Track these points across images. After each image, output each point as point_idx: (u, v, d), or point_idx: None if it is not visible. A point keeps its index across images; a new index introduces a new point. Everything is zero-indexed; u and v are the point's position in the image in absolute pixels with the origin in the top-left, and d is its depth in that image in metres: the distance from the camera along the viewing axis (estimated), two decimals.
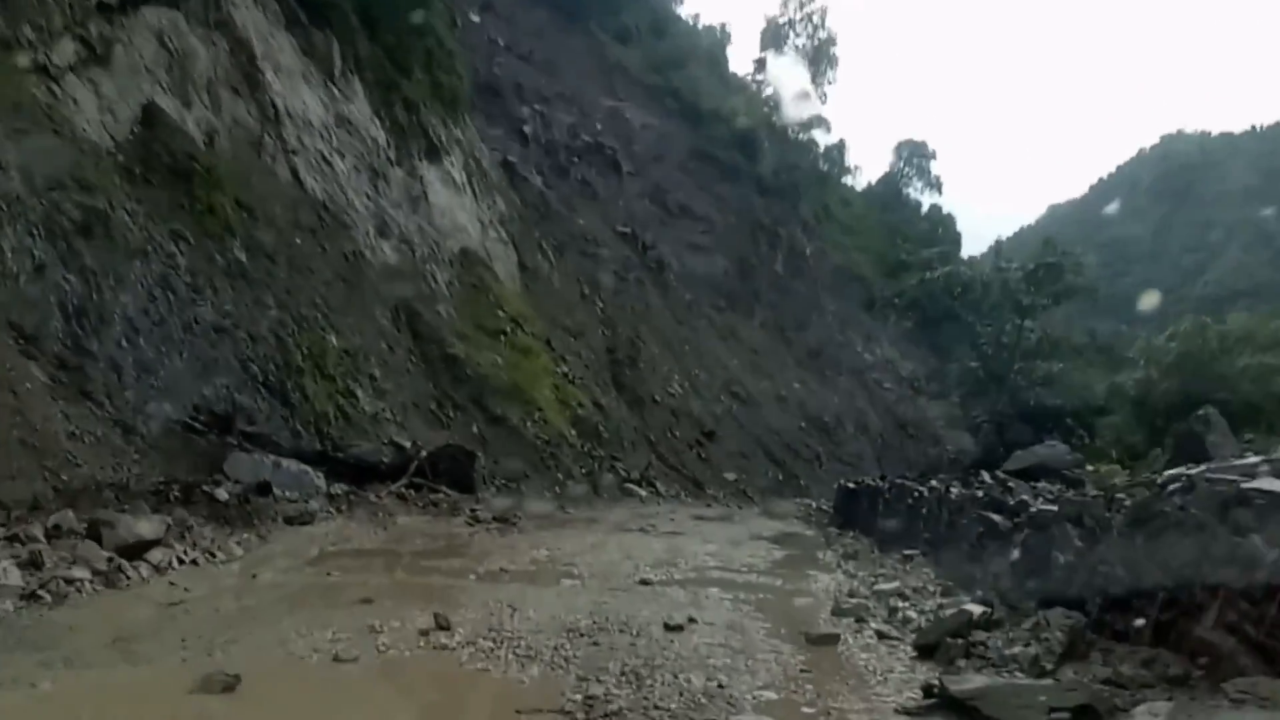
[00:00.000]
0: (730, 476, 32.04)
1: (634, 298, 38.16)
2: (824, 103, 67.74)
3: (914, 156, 76.89)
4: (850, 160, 73.88)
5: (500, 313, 27.50)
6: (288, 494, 11.23)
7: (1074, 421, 38.78)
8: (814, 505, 25.31)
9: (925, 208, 76.15)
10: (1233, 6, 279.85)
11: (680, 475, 29.19)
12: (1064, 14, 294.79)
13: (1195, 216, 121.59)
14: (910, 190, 77.13)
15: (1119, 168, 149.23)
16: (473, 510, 13.84)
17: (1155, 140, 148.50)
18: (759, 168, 51.04)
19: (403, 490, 13.76)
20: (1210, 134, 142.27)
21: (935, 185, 76.73)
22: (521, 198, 37.37)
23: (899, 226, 70.67)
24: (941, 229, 72.84)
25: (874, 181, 77.94)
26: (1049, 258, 44.18)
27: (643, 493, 23.31)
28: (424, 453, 14.73)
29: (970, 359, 49.19)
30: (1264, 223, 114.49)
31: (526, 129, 42.54)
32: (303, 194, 19.79)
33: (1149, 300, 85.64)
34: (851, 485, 20.69)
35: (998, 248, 55.89)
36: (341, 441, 14.15)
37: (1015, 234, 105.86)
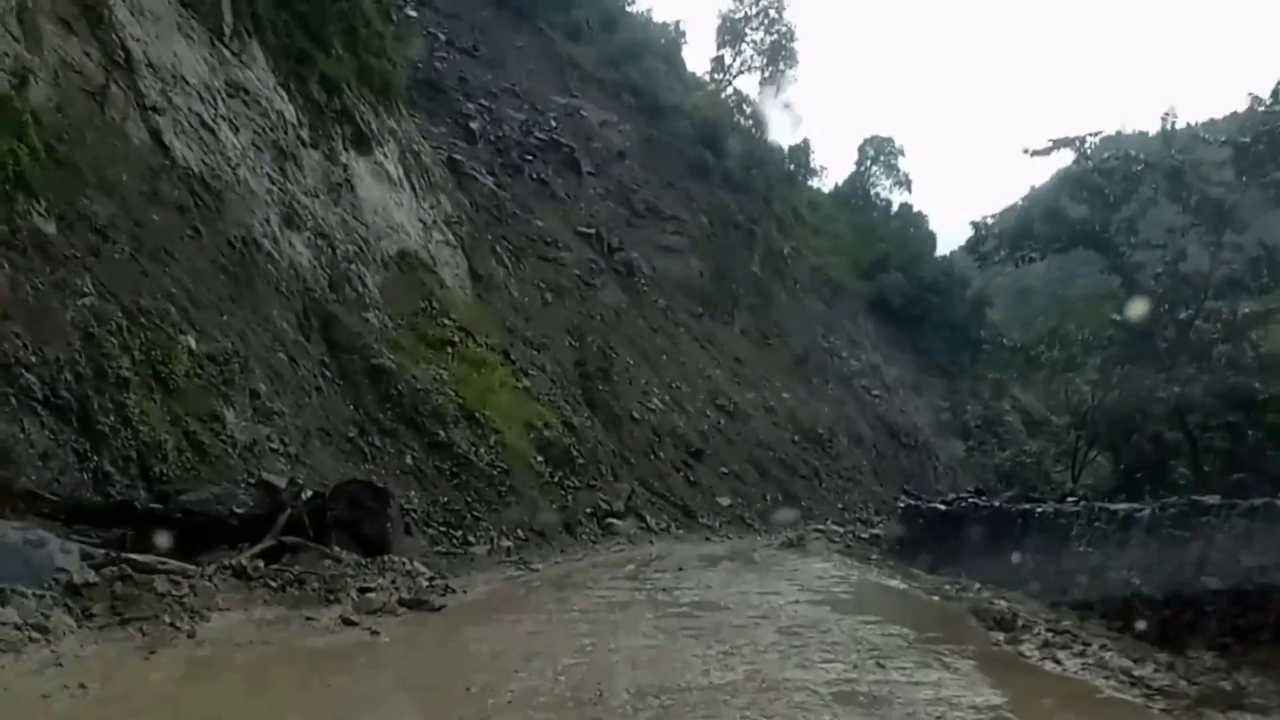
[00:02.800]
0: (725, 501, 27.57)
1: (603, 304, 33.71)
2: (786, 105, 63.93)
3: (880, 154, 73.20)
4: (815, 161, 69.98)
5: (446, 321, 22.92)
6: None
7: None
8: (843, 531, 20.81)
9: (895, 207, 72.59)
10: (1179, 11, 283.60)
11: (669, 503, 24.65)
12: (1021, 14, 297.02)
13: (1141, 214, 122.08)
14: (879, 190, 73.46)
15: (1060, 169, 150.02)
16: (363, 590, 8.81)
17: (1096, 140, 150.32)
18: (727, 163, 46.87)
19: (248, 562, 8.53)
20: (1148, 133, 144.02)
21: (904, 183, 73.09)
22: (471, 199, 32.90)
23: (870, 227, 67.10)
24: (913, 228, 69.31)
25: (840, 183, 74.26)
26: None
27: (629, 528, 18.76)
28: (306, 495, 9.93)
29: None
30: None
31: (474, 125, 38.06)
32: (166, 162, 15.05)
33: None
34: (933, 505, 16.01)
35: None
36: (182, 486, 9.40)
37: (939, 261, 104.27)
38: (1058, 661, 7.99)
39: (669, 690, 6.26)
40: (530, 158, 38.80)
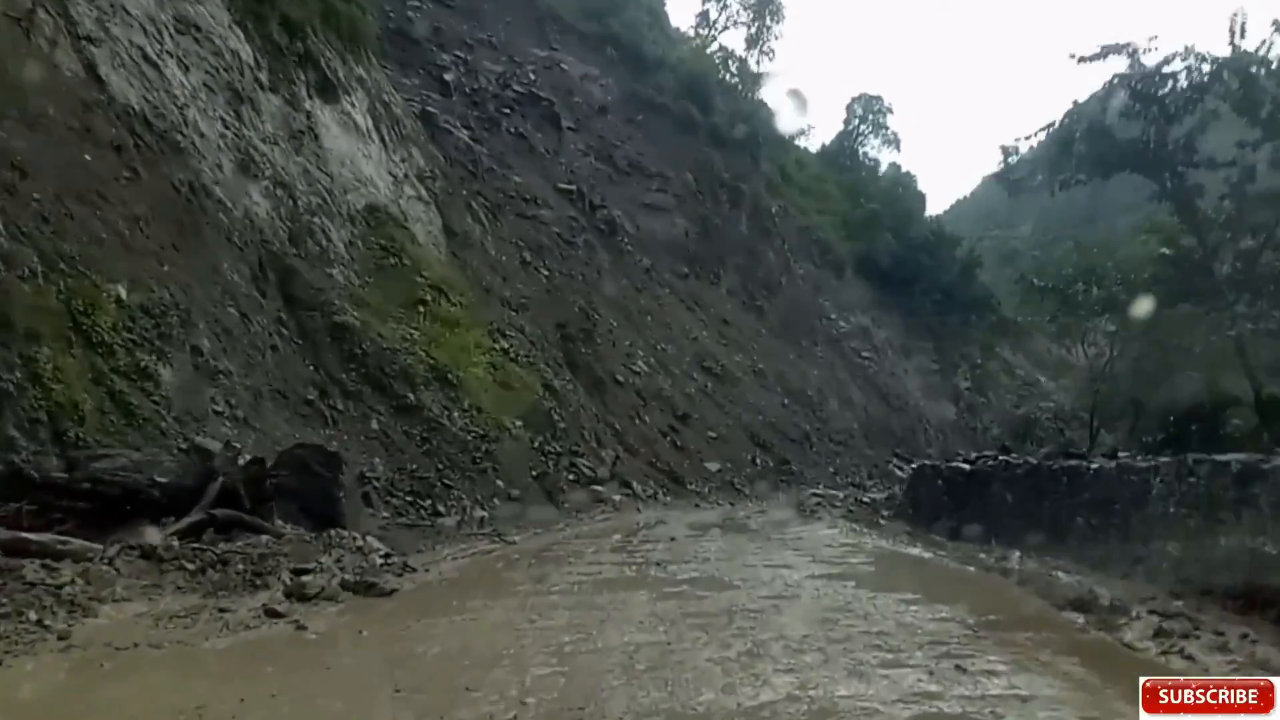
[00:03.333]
0: (714, 466, 26.51)
1: (584, 264, 32.42)
2: (771, 59, 61.95)
3: (869, 112, 71.72)
4: (803, 121, 68.57)
5: (419, 279, 21.62)
6: None
7: None
8: (842, 496, 19.70)
9: (884, 167, 71.29)
10: None
11: (655, 469, 23.57)
12: None
13: (1128, 178, 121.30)
14: (868, 149, 72.06)
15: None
16: (299, 571, 7.37)
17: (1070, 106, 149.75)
18: (713, 119, 45.32)
19: (161, 540, 7.17)
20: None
21: (893, 142, 71.76)
22: (445, 153, 31.39)
23: (859, 187, 65.72)
24: (902, 188, 68.02)
25: (828, 142, 72.77)
26: None
27: (614, 495, 17.66)
28: (243, 461, 8.65)
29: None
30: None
31: (448, 78, 36.36)
32: (101, 97, 13.63)
33: None
34: (953, 464, 14.72)
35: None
36: (97, 452, 8.14)
37: (951, 207, 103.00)
38: (1190, 658, 6.25)
39: (684, 718, 4.77)
40: (508, 111, 37.22)
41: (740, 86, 54.73)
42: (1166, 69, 18.18)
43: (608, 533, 13.20)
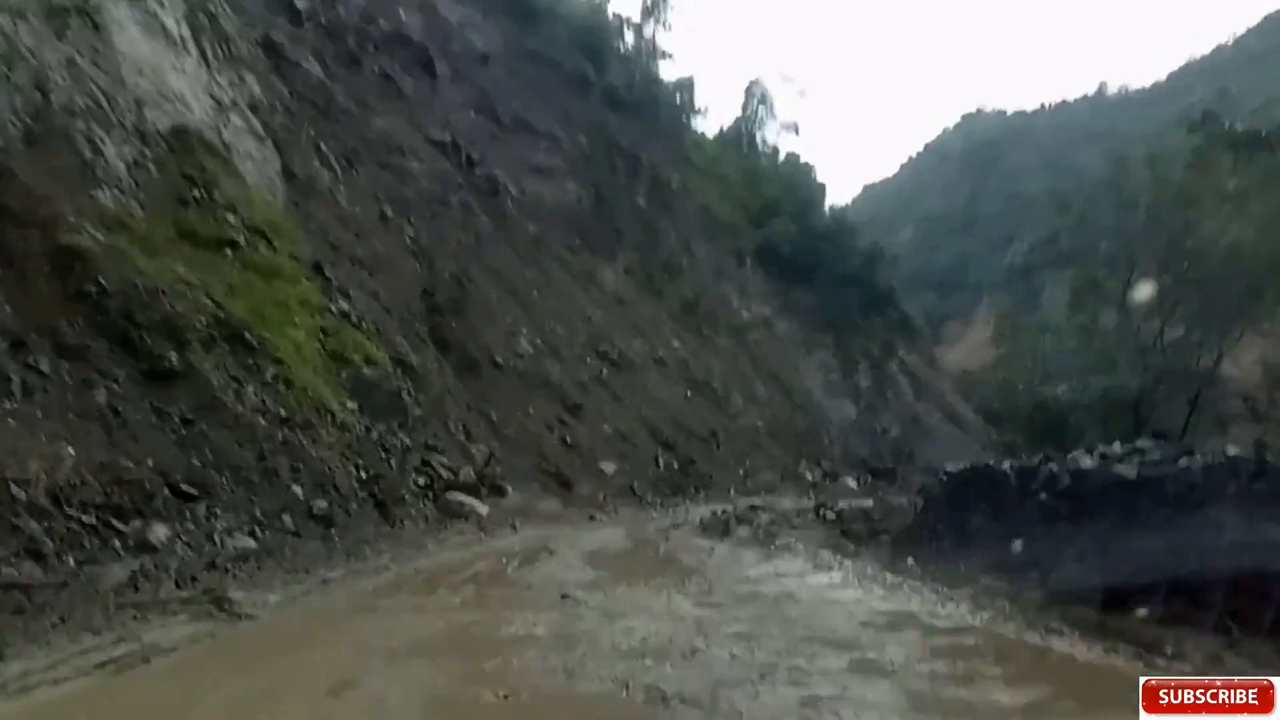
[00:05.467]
0: (609, 468, 21.85)
1: (460, 226, 27.28)
2: (667, 30, 57.74)
3: (766, 97, 68.43)
4: (699, 101, 64.62)
5: (230, 219, 16.27)
6: None
7: None
8: (793, 510, 15.01)
9: (782, 155, 68.16)
10: None
11: (540, 471, 18.75)
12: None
13: (1001, 189, 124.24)
14: (765, 134, 68.76)
15: (926, 145, 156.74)
16: None
17: (957, 119, 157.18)
18: (610, 78, 40.67)
19: None
20: (1006, 112, 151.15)
21: (791, 127, 68.64)
22: (291, 88, 25.82)
23: (757, 173, 62.35)
24: (802, 177, 65.02)
25: (726, 126, 69.22)
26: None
27: (481, 507, 12.70)
28: None
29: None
30: (1061, 193, 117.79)
31: (300, 5, 30.57)
32: None
33: None
34: (989, 465, 10.18)
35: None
36: None
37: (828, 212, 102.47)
38: None
39: None
40: (373, 48, 31.66)
41: (638, 54, 50.24)
42: None
43: (458, 572, 8.36)
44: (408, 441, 13.93)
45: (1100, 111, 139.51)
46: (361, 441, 12.44)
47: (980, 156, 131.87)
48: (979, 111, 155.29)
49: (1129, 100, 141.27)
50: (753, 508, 16.59)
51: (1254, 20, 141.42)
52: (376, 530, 10.14)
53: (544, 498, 17.47)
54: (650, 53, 52.52)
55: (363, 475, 11.45)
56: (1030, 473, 8.40)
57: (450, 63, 35.42)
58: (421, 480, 12.90)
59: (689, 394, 30.88)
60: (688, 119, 60.17)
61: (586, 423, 23.21)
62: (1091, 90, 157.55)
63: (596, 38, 41.79)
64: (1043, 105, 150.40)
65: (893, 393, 59.42)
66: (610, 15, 53.49)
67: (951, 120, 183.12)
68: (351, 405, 13.27)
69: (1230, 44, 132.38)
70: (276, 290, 14.62)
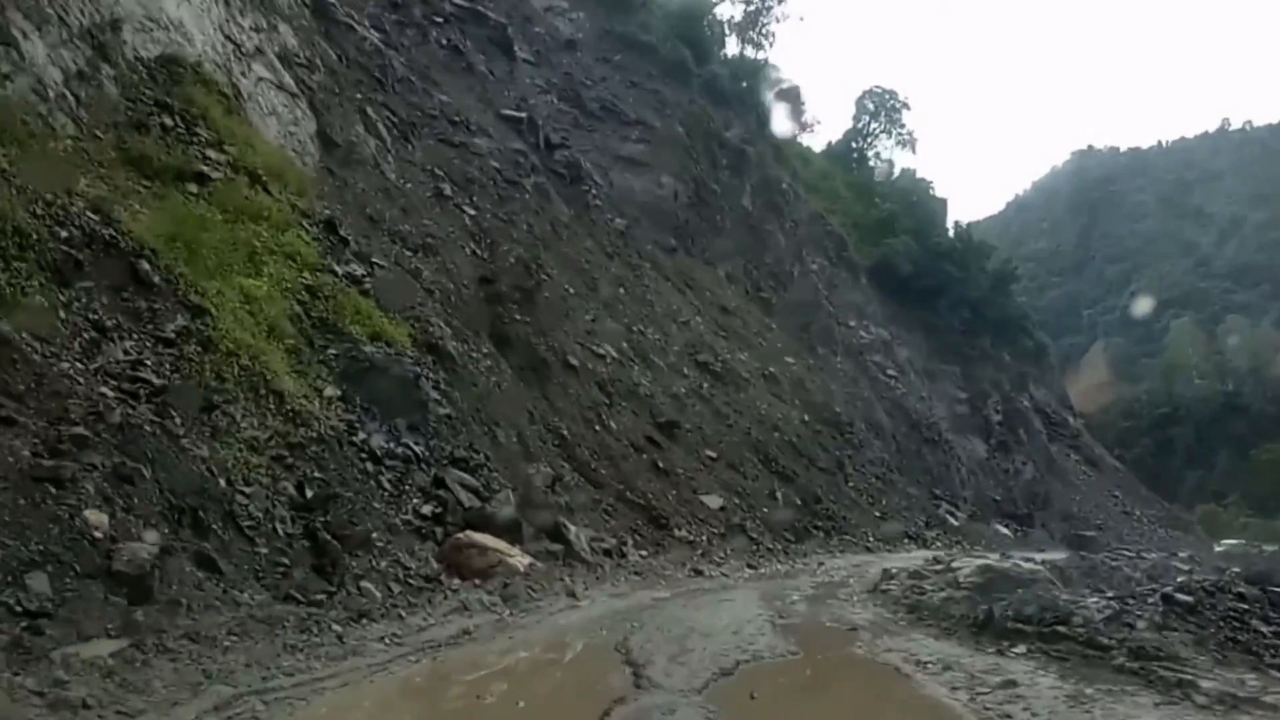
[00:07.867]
0: (714, 502, 16.70)
1: (534, 211, 22.74)
2: (771, 43, 52.35)
3: (881, 109, 62.50)
4: (807, 115, 59.15)
5: (211, 154, 12.14)
6: None
7: None
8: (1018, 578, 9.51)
9: (897, 171, 62.17)
10: (1133, 27, 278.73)
11: (623, 503, 13.71)
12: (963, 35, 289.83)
13: (1115, 229, 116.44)
14: (879, 150, 62.84)
15: (1035, 183, 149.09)
16: None
17: (1067, 157, 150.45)
18: (712, 67, 35.97)
19: None
20: (1120, 149, 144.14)
21: (908, 143, 62.40)
22: (341, 51, 21.85)
23: (870, 189, 56.58)
24: (918, 192, 58.82)
25: (834, 141, 63.71)
26: None
27: (517, 557, 7.72)
28: None
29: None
30: (1182, 233, 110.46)
31: None
32: None
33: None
34: None
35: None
36: None
37: (951, 229, 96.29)
38: None
39: None
40: (442, 21, 27.71)
41: (740, 55, 45.56)
42: None
43: None
44: (420, 450, 9.12)
45: (1222, 149, 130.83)
46: (327, 443, 7.68)
47: (1092, 195, 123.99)
48: (1091, 148, 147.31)
49: (1251, 137, 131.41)
50: (937, 562, 10.95)
51: None
52: (303, 592, 5.31)
53: (629, 539, 12.48)
54: (754, 50, 47.81)
55: (305, 495, 6.69)
56: None
57: (531, 46, 31.38)
58: (428, 509, 8.08)
59: (806, 418, 25.46)
60: (796, 127, 54.97)
61: (683, 444, 18.16)
62: (1213, 127, 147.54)
63: (696, 22, 37.17)
64: (1159, 142, 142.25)
65: (1025, 430, 52.44)
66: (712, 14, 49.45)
67: (1060, 157, 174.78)
68: (330, 391, 8.55)
69: None
70: (240, 233, 10.12)
